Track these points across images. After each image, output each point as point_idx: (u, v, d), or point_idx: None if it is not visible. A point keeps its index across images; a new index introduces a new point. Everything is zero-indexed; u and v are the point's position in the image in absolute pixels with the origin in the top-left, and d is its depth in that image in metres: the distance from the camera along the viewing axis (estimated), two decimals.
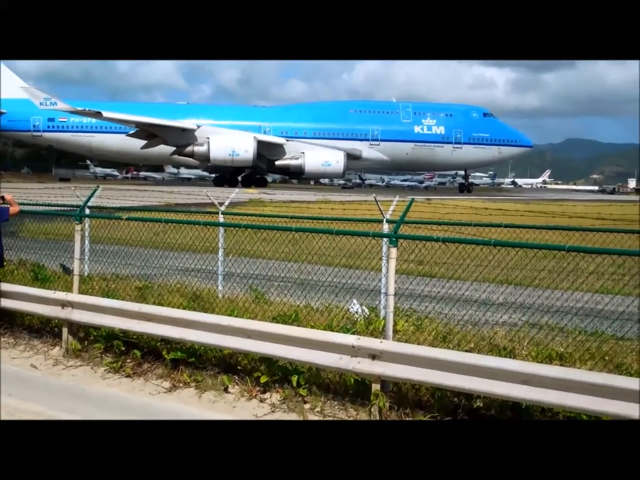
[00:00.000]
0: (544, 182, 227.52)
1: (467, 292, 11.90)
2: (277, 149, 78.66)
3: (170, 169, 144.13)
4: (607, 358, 9.43)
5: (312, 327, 10.66)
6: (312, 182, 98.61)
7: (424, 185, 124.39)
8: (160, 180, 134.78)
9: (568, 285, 11.19)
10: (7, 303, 13.00)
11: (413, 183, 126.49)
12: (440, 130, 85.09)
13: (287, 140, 79.50)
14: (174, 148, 78.06)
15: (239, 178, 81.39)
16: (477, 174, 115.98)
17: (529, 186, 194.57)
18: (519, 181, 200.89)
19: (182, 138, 76.03)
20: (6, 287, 13.14)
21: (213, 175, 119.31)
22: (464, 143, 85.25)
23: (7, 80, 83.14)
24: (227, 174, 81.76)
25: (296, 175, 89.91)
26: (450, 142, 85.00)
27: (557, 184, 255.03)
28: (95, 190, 14.46)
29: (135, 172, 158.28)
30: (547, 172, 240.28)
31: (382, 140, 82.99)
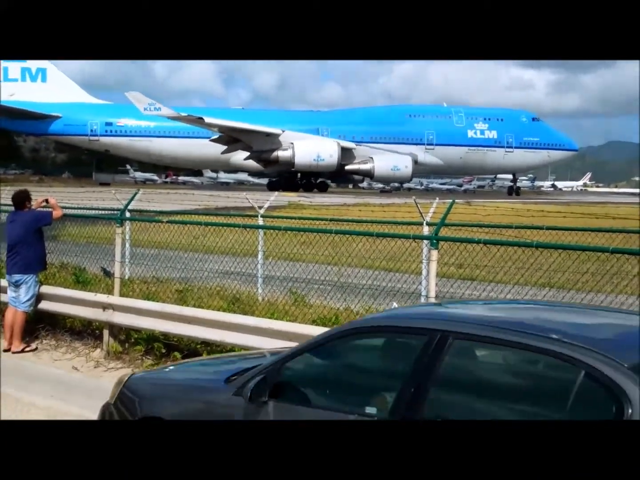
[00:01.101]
0: (585, 184, 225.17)
1: (509, 295, 11.78)
2: (348, 154, 78.60)
3: (209, 174, 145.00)
4: None
5: None
6: (350, 186, 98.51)
7: (463, 188, 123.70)
8: (199, 185, 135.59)
9: (611, 288, 11.03)
10: (49, 305, 13.15)
11: (452, 186, 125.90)
12: (493, 134, 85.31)
13: (357, 145, 79.40)
14: (248, 153, 78.08)
15: (298, 182, 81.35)
16: (521, 176, 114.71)
17: (570, 189, 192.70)
18: (559, 184, 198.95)
19: (266, 143, 75.81)
20: (48, 289, 13.29)
21: (251, 179, 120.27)
22: (516, 147, 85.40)
23: (62, 84, 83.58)
24: (282, 179, 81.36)
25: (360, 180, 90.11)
26: (502, 146, 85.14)
27: (598, 186, 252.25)
28: (135, 194, 14.56)
29: (174, 177, 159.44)
30: (588, 175, 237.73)
31: (437, 145, 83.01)
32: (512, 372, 5.10)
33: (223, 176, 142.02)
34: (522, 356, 4.84)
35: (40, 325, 13.47)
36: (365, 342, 5.70)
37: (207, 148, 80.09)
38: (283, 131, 76.88)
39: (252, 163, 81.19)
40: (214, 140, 77.65)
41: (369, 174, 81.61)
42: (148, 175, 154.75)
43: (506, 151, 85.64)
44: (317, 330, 9.80)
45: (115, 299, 12.33)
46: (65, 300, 12.94)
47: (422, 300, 11.06)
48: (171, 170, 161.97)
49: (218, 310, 11.80)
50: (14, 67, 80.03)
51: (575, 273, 11.47)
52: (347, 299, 12.33)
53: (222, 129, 75.47)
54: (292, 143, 76.25)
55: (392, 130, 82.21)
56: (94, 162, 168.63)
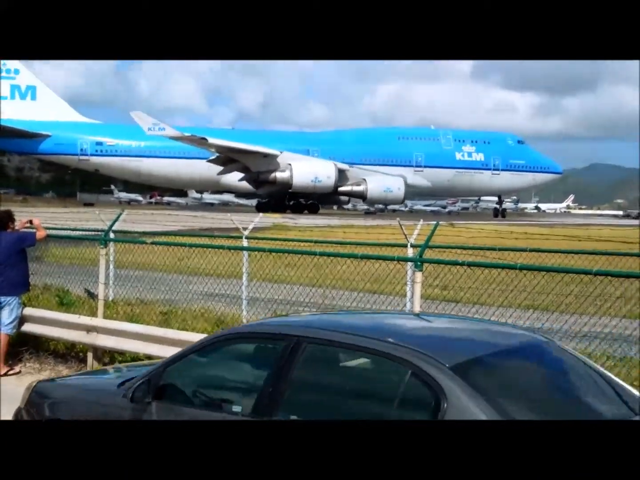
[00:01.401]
0: (568, 206, 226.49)
1: (493, 317, 11.81)
2: (342, 175, 78.79)
3: (193, 194, 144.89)
4: (635, 383, 9.30)
5: None
6: (334, 207, 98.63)
7: (447, 210, 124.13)
8: (184, 205, 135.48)
9: (595, 310, 11.08)
10: (33, 328, 13.06)
11: (436, 208, 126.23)
12: (480, 157, 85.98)
13: (350, 167, 79.57)
14: (242, 174, 78.17)
15: (287, 204, 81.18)
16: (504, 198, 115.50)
17: (553, 211, 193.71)
18: (542, 206, 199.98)
19: (263, 164, 75.77)
20: (32, 311, 13.20)
21: (235, 200, 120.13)
22: (502, 170, 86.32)
23: (52, 102, 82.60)
24: (272, 200, 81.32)
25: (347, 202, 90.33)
26: (489, 169, 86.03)
27: (580, 208, 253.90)
28: (119, 215, 14.53)
29: (159, 197, 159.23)
30: (571, 197, 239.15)
31: (425, 167, 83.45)
32: (354, 371, 5.58)
33: (208, 197, 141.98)
34: (362, 357, 5.41)
35: (23, 348, 13.36)
36: (239, 347, 6.23)
37: (196, 168, 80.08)
38: (281, 152, 76.93)
39: (242, 184, 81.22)
40: (211, 161, 77.38)
41: (362, 196, 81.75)
42: (132, 195, 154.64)
43: (493, 174, 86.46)
44: None
45: (99, 321, 12.26)
46: (49, 323, 12.84)
47: None
48: (156, 191, 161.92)
49: (202, 332, 11.75)
50: (4, 84, 79.39)
51: (559, 295, 11.51)
52: None
53: (221, 149, 75.07)
54: (289, 164, 76.26)
55: (382, 152, 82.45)
56: (78, 182, 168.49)
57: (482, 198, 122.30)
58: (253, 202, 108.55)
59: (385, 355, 5.08)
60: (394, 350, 5.03)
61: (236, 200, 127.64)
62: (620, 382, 5.88)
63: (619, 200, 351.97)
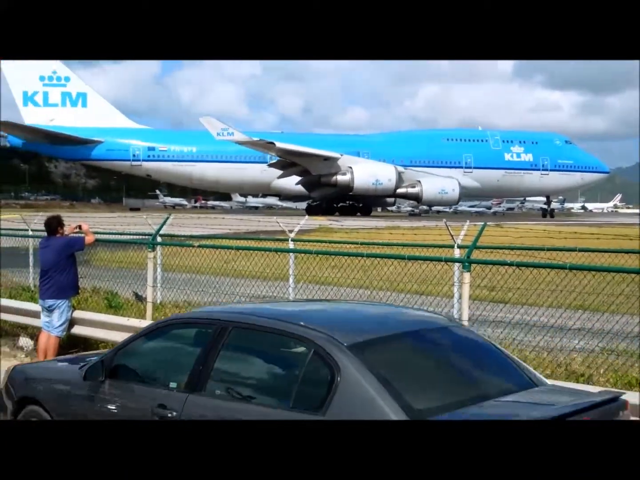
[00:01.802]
0: (615, 206, 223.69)
1: (543, 317, 11.67)
2: (398, 177, 78.81)
3: (237, 198, 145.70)
4: None
5: None
6: (379, 209, 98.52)
7: (492, 210, 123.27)
8: (228, 209, 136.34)
9: None
10: (82, 330, 13.22)
11: (481, 209, 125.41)
12: (529, 157, 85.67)
13: (405, 169, 79.62)
14: (300, 177, 78.65)
15: (337, 206, 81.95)
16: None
17: (600, 210, 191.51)
18: (589, 206, 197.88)
19: (324, 167, 75.99)
20: (81, 314, 13.37)
21: (279, 203, 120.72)
22: (551, 170, 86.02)
23: (103, 108, 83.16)
24: (323, 203, 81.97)
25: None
26: (538, 169, 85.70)
27: (628, 207, 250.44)
28: (167, 219, 14.64)
29: (203, 201, 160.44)
30: (618, 196, 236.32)
31: (475, 168, 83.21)
32: (271, 350, 6.32)
33: (252, 200, 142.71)
34: (279, 339, 6.06)
35: (73, 350, 13.53)
36: (179, 332, 7.03)
37: (247, 172, 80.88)
38: (341, 155, 77.04)
39: (291, 187, 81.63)
40: (271, 165, 77.89)
41: (417, 198, 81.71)
42: (177, 200, 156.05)
43: (542, 174, 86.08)
44: None
45: (147, 323, 12.36)
46: (98, 325, 13.00)
47: None
48: (200, 195, 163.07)
49: None
50: (54, 91, 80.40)
51: (610, 295, 11.35)
52: None
53: (285, 153, 75.16)
54: (350, 167, 76.24)
55: (431, 154, 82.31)
56: (124, 188, 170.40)
57: (528, 198, 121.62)
58: (298, 204, 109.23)
59: (295, 337, 5.87)
60: (303, 332, 5.81)
61: (280, 203, 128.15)
62: (522, 363, 6.62)
63: None
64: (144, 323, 12.33)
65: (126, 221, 19.38)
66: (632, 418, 4.43)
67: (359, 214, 78.76)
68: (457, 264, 10.95)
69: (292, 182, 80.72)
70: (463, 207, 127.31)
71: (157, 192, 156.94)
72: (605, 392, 6.08)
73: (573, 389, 6.71)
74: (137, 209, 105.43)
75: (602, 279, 10.61)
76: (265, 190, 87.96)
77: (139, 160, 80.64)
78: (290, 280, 13.56)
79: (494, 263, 10.29)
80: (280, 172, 79.52)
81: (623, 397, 5.72)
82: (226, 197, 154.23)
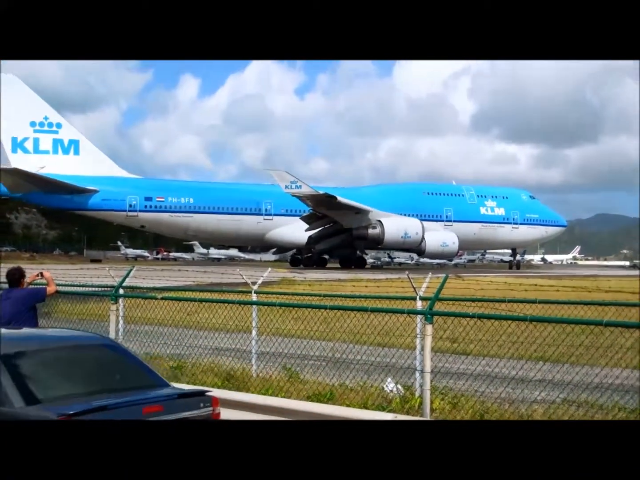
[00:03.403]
0: (574, 258, 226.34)
1: (504, 369, 11.77)
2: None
3: (200, 249, 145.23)
4: None
5: (348, 405, 10.57)
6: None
7: (453, 262, 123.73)
8: (190, 260, 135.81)
9: (606, 361, 11.04)
10: None
11: (442, 261, 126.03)
12: (501, 211, 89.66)
13: None
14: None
15: (326, 258, 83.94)
16: (505, 250, 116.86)
17: (559, 262, 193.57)
18: (549, 257, 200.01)
19: (356, 220, 76.91)
20: None
21: (241, 255, 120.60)
22: (520, 224, 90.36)
23: (95, 156, 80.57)
24: (304, 254, 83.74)
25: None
26: (510, 223, 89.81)
27: (587, 259, 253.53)
28: (130, 271, 14.60)
29: (165, 253, 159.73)
30: (577, 248, 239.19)
31: (454, 221, 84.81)
32: None
33: (214, 252, 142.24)
34: None
35: None
36: None
37: (244, 224, 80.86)
38: (372, 209, 77.82)
39: (285, 238, 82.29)
40: (303, 218, 78.34)
41: (419, 251, 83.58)
42: (139, 251, 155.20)
43: (512, 227, 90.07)
44: (312, 407, 9.76)
45: None
46: None
47: (417, 375, 11.05)
48: (162, 247, 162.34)
49: (212, 386, 11.72)
50: (46, 138, 78.15)
51: (570, 346, 11.48)
52: (342, 375, 12.29)
53: (318, 205, 75.28)
54: (379, 220, 77.39)
55: (415, 207, 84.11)
56: (84, 239, 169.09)
57: (488, 251, 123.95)
58: (263, 256, 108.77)
59: None
60: None
61: (242, 255, 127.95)
62: (155, 372, 8.49)
63: (625, 251, 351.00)
64: None
65: (88, 273, 19.24)
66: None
67: (353, 266, 79.46)
68: (419, 316, 11.03)
69: (284, 234, 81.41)
70: (425, 258, 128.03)
71: (119, 243, 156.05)
72: (197, 389, 8.59)
73: (181, 388, 8.42)
74: (98, 261, 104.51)
75: (562, 330, 10.75)
76: (259, 242, 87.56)
77: (135, 211, 78.58)
78: (254, 332, 13.55)
79: (455, 315, 10.38)
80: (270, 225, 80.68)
81: None
82: (188, 248, 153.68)
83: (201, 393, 8.02)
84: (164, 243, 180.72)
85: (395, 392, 11.81)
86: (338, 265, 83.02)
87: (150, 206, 79.03)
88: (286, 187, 71.90)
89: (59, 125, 79.22)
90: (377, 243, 79.03)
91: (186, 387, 9.56)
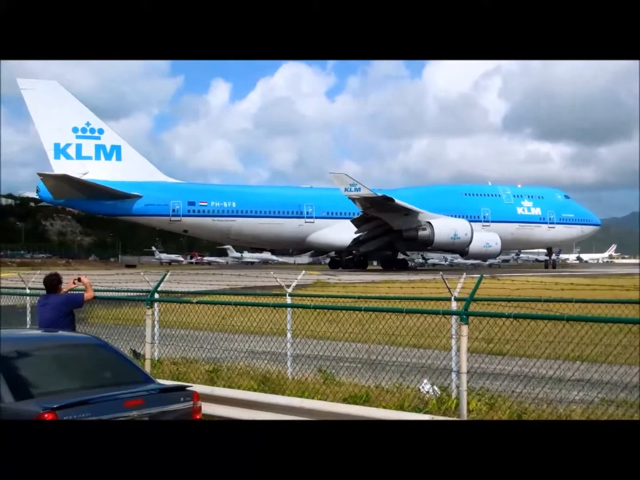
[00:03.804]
0: (610, 256, 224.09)
1: (541, 369, 11.67)
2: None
3: (233, 253, 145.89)
4: None
5: (384, 407, 10.55)
6: (374, 263, 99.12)
7: (487, 263, 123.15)
8: (224, 264, 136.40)
9: None
10: None
11: (477, 261, 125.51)
12: (537, 211, 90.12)
13: None
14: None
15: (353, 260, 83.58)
16: (540, 250, 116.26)
17: (595, 261, 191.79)
18: (584, 256, 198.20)
19: (406, 222, 77.15)
20: None
21: (275, 258, 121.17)
22: (556, 223, 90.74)
23: (137, 162, 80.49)
24: (344, 256, 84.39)
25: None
26: (546, 222, 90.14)
27: (623, 257, 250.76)
28: (164, 275, 14.69)
29: (199, 257, 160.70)
30: (613, 247, 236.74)
31: (492, 222, 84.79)
32: None
33: (247, 255, 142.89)
34: None
35: None
36: None
37: (285, 227, 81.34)
38: (422, 211, 78.00)
39: (325, 241, 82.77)
40: (354, 220, 78.62)
41: (463, 252, 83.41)
42: (173, 256, 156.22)
43: (549, 227, 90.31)
44: (348, 409, 9.74)
45: None
46: None
47: (453, 376, 11.00)
48: (196, 251, 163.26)
49: (249, 389, 11.77)
50: (88, 144, 77.67)
51: (607, 346, 11.36)
52: (377, 377, 12.27)
53: (370, 207, 75.38)
54: (428, 222, 77.41)
55: (455, 208, 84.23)
56: (119, 245, 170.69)
57: (522, 250, 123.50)
58: (295, 259, 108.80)
59: None
60: None
61: (275, 258, 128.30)
62: (143, 370, 9.40)
63: None
64: None
65: (123, 278, 19.39)
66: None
67: (394, 268, 79.98)
68: (454, 317, 10.98)
69: (326, 237, 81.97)
70: (459, 259, 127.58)
71: (153, 248, 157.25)
72: (178, 384, 9.43)
73: (164, 384, 9.08)
74: (133, 266, 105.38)
75: (600, 329, 10.63)
76: (300, 245, 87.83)
77: (178, 216, 78.66)
78: (288, 335, 13.57)
79: (491, 315, 10.31)
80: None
81: None
82: (222, 252, 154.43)
83: (182, 388, 8.71)
84: (198, 247, 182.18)
85: (432, 393, 11.77)
86: (379, 267, 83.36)
87: (194, 211, 79.07)
88: (345, 189, 71.93)
89: (100, 131, 78.93)
90: (427, 244, 79.15)
91: (171, 383, 10.29)
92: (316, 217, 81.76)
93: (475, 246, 79.84)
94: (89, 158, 77.30)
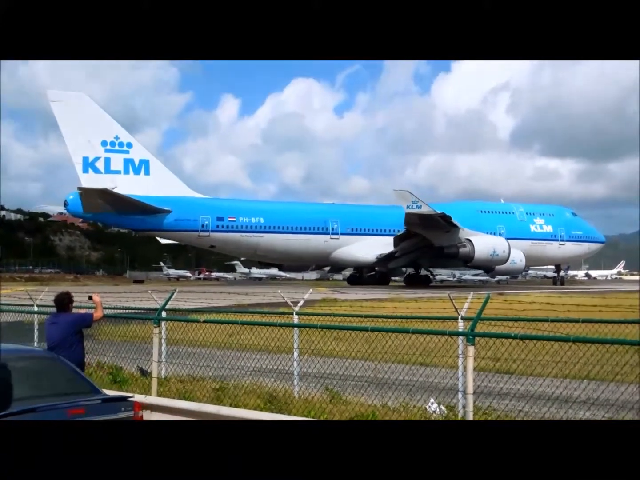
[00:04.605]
0: (619, 273, 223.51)
1: (548, 388, 11.65)
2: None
3: (241, 269, 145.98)
4: None
5: None
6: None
7: (496, 279, 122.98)
8: (232, 280, 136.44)
9: None
10: None
11: (485, 277, 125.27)
12: (549, 228, 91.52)
13: None
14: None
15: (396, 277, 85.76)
16: (550, 266, 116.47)
17: (604, 277, 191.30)
18: (593, 273, 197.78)
19: (446, 239, 77.86)
20: None
21: (282, 274, 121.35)
22: (567, 240, 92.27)
23: (165, 176, 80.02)
24: (365, 272, 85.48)
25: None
26: (557, 240, 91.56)
27: (632, 274, 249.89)
28: (172, 294, 14.72)
29: (207, 273, 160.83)
30: (622, 263, 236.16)
31: (507, 239, 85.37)
32: None
33: (255, 271, 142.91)
34: None
35: None
36: None
37: (311, 243, 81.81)
38: (463, 228, 78.58)
39: (348, 258, 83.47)
40: (398, 237, 79.24)
41: (489, 268, 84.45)
42: (181, 272, 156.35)
43: (560, 244, 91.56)
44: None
45: (152, 399, 12.29)
46: None
47: (460, 395, 10.99)
48: (204, 267, 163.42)
49: (254, 408, 11.76)
50: (117, 158, 76.82)
51: (615, 365, 11.33)
52: (384, 396, 12.25)
53: (416, 224, 75.78)
54: (468, 239, 78.21)
55: (472, 224, 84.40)
56: (127, 260, 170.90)
57: (531, 267, 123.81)
58: (303, 275, 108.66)
59: None
60: None
61: (283, 274, 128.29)
62: (91, 382, 9.84)
63: None
64: (149, 399, 12.31)
65: (131, 296, 19.45)
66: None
67: (418, 284, 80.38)
68: (461, 337, 10.98)
69: (350, 253, 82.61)
70: (467, 275, 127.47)
71: (161, 264, 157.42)
72: (120, 395, 9.80)
73: (109, 395, 9.53)
74: (141, 282, 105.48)
75: (607, 349, 10.61)
76: (324, 260, 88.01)
77: (207, 231, 78.46)
78: (295, 354, 13.58)
79: (498, 336, 10.30)
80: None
81: None
82: (230, 268, 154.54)
83: (124, 398, 9.33)
84: (206, 263, 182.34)
85: (438, 412, 11.75)
86: (400, 284, 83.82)
87: (222, 226, 78.94)
88: (408, 206, 72.33)
89: (129, 145, 78.49)
90: (467, 261, 79.64)
91: (116, 394, 10.63)
92: (341, 234, 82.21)
93: (482, 253, 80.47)
94: (118, 172, 76.76)
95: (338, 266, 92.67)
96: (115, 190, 72.82)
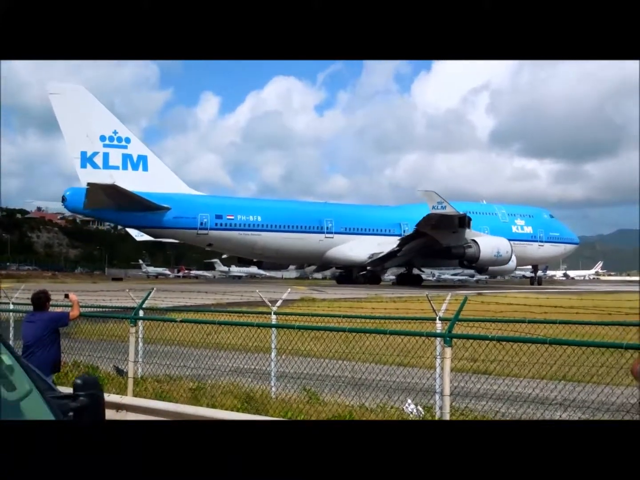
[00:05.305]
0: (597, 273, 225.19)
1: (525, 389, 11.68)
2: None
3: (220, 267, 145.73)
4: None
5: None
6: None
7: (475, 278, 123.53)
8: (212, 279, 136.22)
9: (629, 381, 10.91)
10: None
11: (464, 277, 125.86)
12: (529, 230, 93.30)
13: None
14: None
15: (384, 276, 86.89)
16: (529, 266, 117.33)
17: (582, 278, 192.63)
18: (571, 273, 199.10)
19: (452, 239, 78.23)
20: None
21: (262, 272, 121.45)
22: (545, 241, 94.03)
23: (163, 173, 79.24)
24: (355, 271, 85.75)
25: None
26: (537, 241, 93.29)
27: (610, 274, 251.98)
28: (149, 293, 14.63)
29: (186, 271, 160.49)
30: (600, 264, 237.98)
31: None
32: None
33: (235, 270, 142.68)
34: None
35: None
36: None
37: (308, 242, 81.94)
38: (468, 230, 79.03)
39: (342, 257, 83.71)
40: (406, 237, 79.79)
41: (483, 268, 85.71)
42: (160, 269, 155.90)
43: (539, 245, 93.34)
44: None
45: (128, 399, 12.24)
46: None
47: (437, 397, 10.99)
48: (183, 265, 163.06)
49: (232, 409, 11.71)
50: (115, 153, 75.65)
51: (591, 366, 11.38)
52: (361, 396, 12.24)
53: (427, 225, 76.46)
54: (473, 240, 79.12)
55: None
56: (105, 257, 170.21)
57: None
58: (282, 273, 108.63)
59: None
60: None
61: (263, 272, 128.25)
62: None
63: None
64: (125, 399, 12.24)
65: (109, 294, 19.32)
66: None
67: (409, 284, 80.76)
68: (438, 338, 10.98)
69: (344, 252, 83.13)
70: (446, 275, 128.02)
71: (140, 261, 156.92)
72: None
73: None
74: (119, 279, 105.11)
75: (583, 351, 10.64)
76: (318, 260, 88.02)
77: (205, 229, 78.02)
78: (273, 354, 13.54)
79: (474, 338, 10.34)
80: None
81: None
82: (209, 266, 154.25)
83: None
84: (185, 261, 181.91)
85: (415, 413, 11.75)
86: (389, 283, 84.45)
87: (221, 224, 78.56)
88: (433, 207, 73.36)
89: (127, 140, 77.36)
90: (473, 261, 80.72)
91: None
92: (335, 233, 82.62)
93: (486, 253, 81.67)
94: (116, 167, 75.70)
95: (331, 265, 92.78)
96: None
